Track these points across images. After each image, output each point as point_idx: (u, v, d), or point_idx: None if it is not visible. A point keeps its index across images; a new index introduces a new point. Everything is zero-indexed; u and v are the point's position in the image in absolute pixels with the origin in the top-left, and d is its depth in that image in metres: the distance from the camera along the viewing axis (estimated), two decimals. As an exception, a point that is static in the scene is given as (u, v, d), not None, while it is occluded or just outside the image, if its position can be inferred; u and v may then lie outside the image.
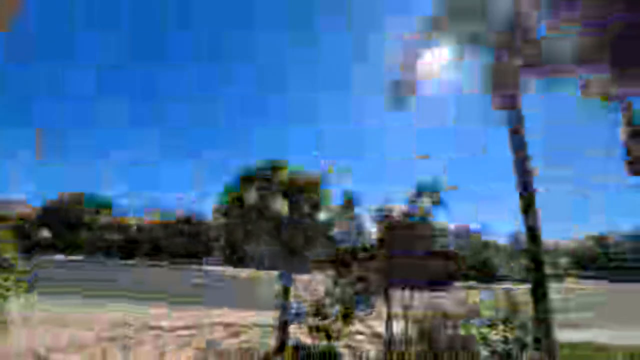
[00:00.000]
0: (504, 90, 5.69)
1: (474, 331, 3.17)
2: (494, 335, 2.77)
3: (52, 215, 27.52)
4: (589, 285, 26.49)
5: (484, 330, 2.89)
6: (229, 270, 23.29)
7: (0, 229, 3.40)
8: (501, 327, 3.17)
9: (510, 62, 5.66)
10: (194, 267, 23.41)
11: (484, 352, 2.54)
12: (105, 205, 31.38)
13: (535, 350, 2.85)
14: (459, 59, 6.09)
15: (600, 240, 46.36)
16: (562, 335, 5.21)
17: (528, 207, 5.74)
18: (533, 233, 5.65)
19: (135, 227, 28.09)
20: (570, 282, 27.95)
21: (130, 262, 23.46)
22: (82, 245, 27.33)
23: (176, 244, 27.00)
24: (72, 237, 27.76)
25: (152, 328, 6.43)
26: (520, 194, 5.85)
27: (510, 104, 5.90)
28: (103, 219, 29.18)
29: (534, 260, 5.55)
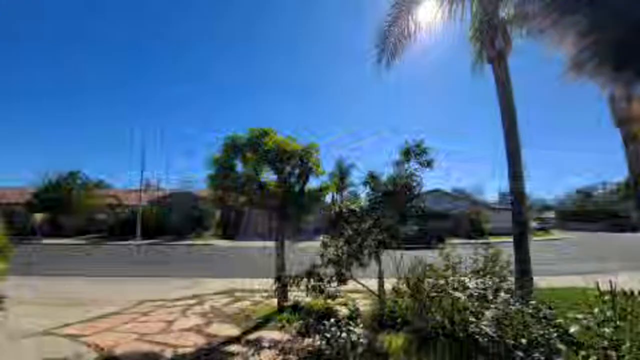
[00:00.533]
0: (492, 41, 5.56)
1: (452, 280, 3.37)
2: (472, 283, 2.97)
3: (44, 197, 27.14)
4: (567, 235, 28.23)
5: (463, 278, 3.09)
6: (223, 242, 23.79)
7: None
8: (480, 275, 3.40)
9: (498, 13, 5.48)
10: (188, 242, 23.82)
11: (462, 296, 2.74)
12: (94, 183, 30.98)
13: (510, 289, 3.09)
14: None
15: (585, 195, 48.20)
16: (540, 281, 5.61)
17: (513, 163, 5.90)
18: (517, 190, 5.87)
19: (128, 208, 27.99)
20: (551, 234, 29.54)
21: (126, 242, 23.69)
22: (79, 228, 27.39)
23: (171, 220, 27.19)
24: (66, 220, 27.70)
25: (155, 300, 6.69)
26: (507, 152, 5.98)
27: (499, 56, 5.80)
28: (97, 199, 28.95)
29: (518, 215, 5.84)
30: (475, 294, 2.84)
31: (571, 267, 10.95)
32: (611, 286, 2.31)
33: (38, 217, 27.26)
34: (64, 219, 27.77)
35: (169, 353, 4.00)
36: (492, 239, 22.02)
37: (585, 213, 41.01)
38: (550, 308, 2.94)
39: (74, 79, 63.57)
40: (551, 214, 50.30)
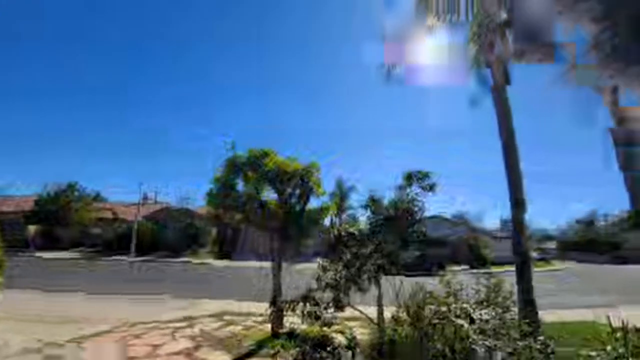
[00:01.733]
0: (491, 70, 5.73)
1: (459, 312, 3.24)
2: (478, 315, 2.86)
3: (41, 210, 26.89)
4: (568, 266, 27.76)
5: (465, 305, 2.98)
6: (220, 262, 23.28)
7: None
8: (484, 305, 3.27)
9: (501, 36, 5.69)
10: (183, 259, 23.31)
11: (471, 330, 2.62)
12: (91, 196, 30.81)
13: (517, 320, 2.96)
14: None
15: (586, 225, 47.87)
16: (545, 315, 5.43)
17: (515, 193, 5.90)
18: (518, 219, 5.84)
19: (121, 224, 27.66)
20: (552, 264, 29.02)
21: (120, 257, 23.19)
22: (74, 242, 26.91)
23: (166, 236, 26.77)
24: (62, 232, 27.26)
25: (144, 323, 6.43)
26: (509, 181, 5.98)
27: (497, 87, 5.96)
28: (93, 213, 28.67)
29: (518, 245, 5.76)
30: (485, 328, 2.71)
31: (575, 300, 10.62)
32: (623, 323, 2.21)
33: (32, 229, 26.86)
34: (59, 231, 27.35)
35: (154, 380, 3.77)
36: (493, 268, 21.59)
37: (586, 244, 40.44)
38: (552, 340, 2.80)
39: (73, 79, 63.72)
40: (552, 244, 49.64)
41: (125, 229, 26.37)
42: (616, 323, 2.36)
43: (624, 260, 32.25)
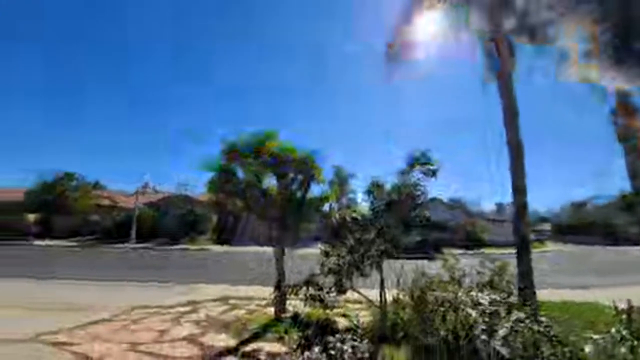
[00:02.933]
0: (497, 54, 5.58)
1: (461, 295, 3.27)
2: (484, 299, 2.88)
3: (38, 198, 26.75)
4: (561, 247, 28.40)
5: (473, 293, 3.00)
6: (219, 247, 23.50)
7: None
8: (487, 289, 3.32)
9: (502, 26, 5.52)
10: (183, 246, 23.49)
11: (474, 313, 2.65)
12: (90, 185, 30.63)
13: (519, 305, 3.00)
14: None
15: (579, 207, 48.56)
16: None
17: (517, 180, 5.87)
18: (520, 204, 5.84)
19: (119, 211, 27.64)
20: (546, 246, 29.65)
21: (121, 245, 23.32)
22: (73, 230, 26.93)
23: (167, 223, 26.85)
24: (60, 221, 27.24)
25: (148, 307, 6.50)
26: (510, 165, 5.94)
27: (503, 72, 5.82)
28: (92, 200, 28.58)
29: (518, 229, 5.79)
30: (488, 311, 2.75)
31: (571, 280, 10.88)
32: (629, 304, 2.23)
33: (31, 217, 26.79)
34: (57, 220, 27.32)
35: (162, 364, 3.84)
36: (488, 251, 21.99)
37: (579, 226, 41.20)
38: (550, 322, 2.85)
39: (73, 78, 63.55)
40: (547, 226, 50.46)
41: (124, 216, 26.39)
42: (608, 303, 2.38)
43: (615, 242, 33.00)
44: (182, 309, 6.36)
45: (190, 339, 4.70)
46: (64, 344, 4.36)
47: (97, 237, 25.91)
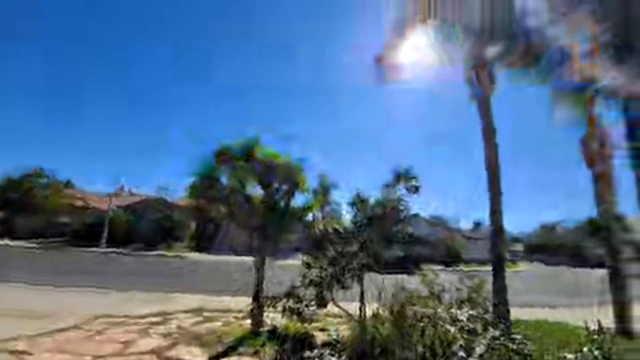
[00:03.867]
0: (478, 77, 5.88)
1: (440, 311, 3.29)
2: (463, 316, 2.91)
3: (1, 196, 25.00)
4: (532, 268, 29.56)
5: (452, 310, 3.03)
6: (196, 255, 22.73)
7: None
8: (466, 306, 3.36)
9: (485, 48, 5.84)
10: (158, 252, 22.55)
11: (452, 329, 2.66)
12: (62, 183, 29.01)
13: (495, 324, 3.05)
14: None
15: (549, 230, 51.00)
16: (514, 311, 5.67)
17: (493, 200, 6.10)
18: (496, 225, 6.05)
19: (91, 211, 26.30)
20: (518, 266, 30.76)
21: (91, 249, 22.05)
22: (38, 231, 25.22)
23: (142, 228, 25.72)
24: (26, 221, 25.48)
25: (114, 317, 6.12)
26: (489, 189, 6.16)
27: (483, 98, 6.12)
28: (61, 200, 27.01)
29: (495, 247, 5.98)
30: (466, 327, 2.77)
31: (542, 299, 11.25)
32: (599, 325, 2.32)
33: (-10, 216, 24.95)
34: (21, 219, 25.54)
35: (125, 379, 3.58)
36: (465, 267, 22.49)
37: (550, 247, 43.13)
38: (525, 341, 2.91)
39: (72, 78, 61.60)
40: (519, 247, 52.39)
41: (96, 218, 25.06)
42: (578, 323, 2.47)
43: (582, 263, 34.69)
44: (151, 320, 6.02)
45: (158, 353, 4.42)
46: (21, 352, 3.99)
47: (65, 240, 24.35)
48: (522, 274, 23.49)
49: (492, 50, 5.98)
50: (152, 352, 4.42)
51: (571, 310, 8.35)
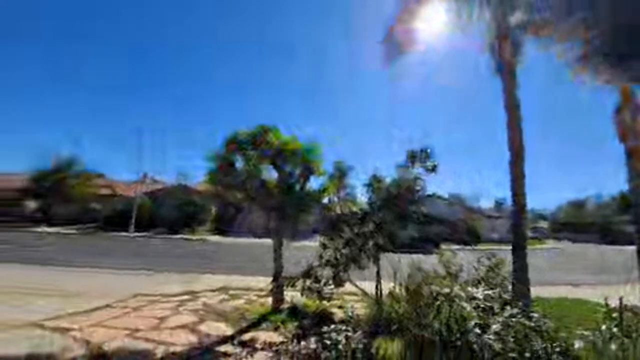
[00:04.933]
0: (501, 49, 5.52)
1: (456, 289, 3.31)
2: (478, 294, 2.92)
3: (40, 185, 26.76)
4: (559, 245, 28.63)
5: (470, 288, 3.04)
6: (218, 238, 23.64)
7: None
8: (482, 285, 3.36)
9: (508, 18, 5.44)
10: (181, 236, 23.63)
11: (468, 307, 2.69)
12: (92, 173, 30.61)
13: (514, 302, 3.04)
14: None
15: (578, 207, 48.77)
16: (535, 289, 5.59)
17: (516, 175, 5.87)
18: (519, 202, 5.85)
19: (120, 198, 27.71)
20: (544, 243, 29.87)
21: (121, 233, 23.45)
22: (73, 217, 27.03)
23: (166, 213, 26.94)
24: (61, 209, 27.31)
25: (147, 295, 6.58)
26: (510, 163, 5.93)
27: (508, 69, 5.76)
28: (93, 189, 28.62)
29: (516, 225, 5.82)
30: (482, 305, 2.79)
31: (566, 277, 10.99)
32: (620, 303, 2.27)
33: (31, 204, 26.88)
34: (57, 207, 27.39)
35: (160, 351, 3.91)
36: (486, 247, 22.15)
37: (578, 224, 41.45)
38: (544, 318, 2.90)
39: (72, 72, 63.93)
40: (545, 224, 50.72)
41: (124, 205, 26.46)
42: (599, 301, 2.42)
43: (613, 241, 33.23)
44: (182, 298, 6.44)
45: (190, 328, 4.77)
46: (65, 329, 4.43)
47: (97, 225, 26.03)
48: (547, 252, 22.93)
49: (516, 17, 5.56)
50: (183, 327, 4.78)
51: (596, 288, 8.13)
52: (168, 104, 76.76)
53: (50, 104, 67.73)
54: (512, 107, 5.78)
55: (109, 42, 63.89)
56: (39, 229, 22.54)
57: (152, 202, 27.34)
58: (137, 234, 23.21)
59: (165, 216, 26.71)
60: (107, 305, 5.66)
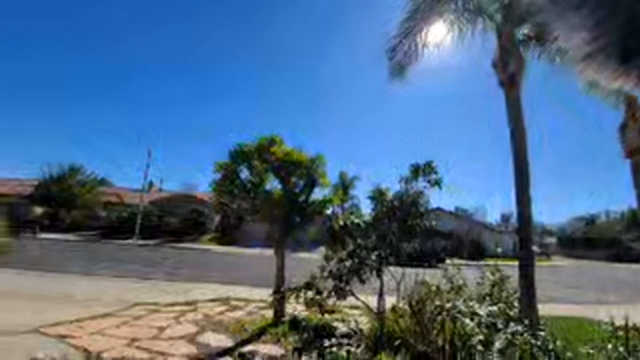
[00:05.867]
0: (506, 63, 5.58)
1: (460, 305, 3.26)
2: (481, 310, 2.88)
3: (46, 192, 27.15)
4: (566, 263, 27.96)
5: (473, 304, 3.00)
6: (220, 248, 23.56)
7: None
8: (487, 301, 3.30)
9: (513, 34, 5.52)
10: (184, 245, 23.61)
11: (471, 323, 2.64)
12: (97, 180, 31.01)
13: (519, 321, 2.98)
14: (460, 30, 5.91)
15: (587, 223, 47.87)
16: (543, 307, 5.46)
17: (521, 190, 5.84)
18: (524, 216, 5.79)
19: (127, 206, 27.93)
20: (551, 260, 29.21)
21: (126, 241, 23.52)
22: (78, 224, 27.24)
23: (170, 221, 27.04)
24: (67, 216, 27.58)
25: (148, 304, 6.56)
26: (515, 177, 5.91)
27: (511, 79, 5.81)
28: (98, 196, 28.95)
29: (523, 240, 5.73)
30: (484, 321, 2.74)
31: (575, 296, 10.70)
32: (626, 323, 2.21)
33: (37, 211, 27.21)
34: (63, 213, 27.69)
35: (159, 361, 3.87)
36: (491, 261, 21.74)
37: (587, 240, 40.54)
38: (554, 341, 2.83)
39: (79, 73, 66.22)
40: (552, 239, 49.72)
41: (130, 212, 26.67)
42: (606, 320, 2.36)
43: (619, 258, 32.37)
44: (182, 308, 6.40)
45: (189, 338, 4.72)
46: (64, 336, 4.42)
47: (102, 233, 26.17)
48: (554, 269, 22.39)
49: (522, 30, 5.65)
50: (183, 337, 4.73)
51: (604, 306, 7.90)
52: (176, 114, 78.44)
53: (60, 114, 69.60)
54: (516, 118, 5.78)
55: (115, 51, 66.18)
56: (44, 235, 22.73)
57: (158, 210, 27.53)
58: (141, 241, 23.26)
59: (169, 224, 26.81)
60: (109, 313, 5.65)
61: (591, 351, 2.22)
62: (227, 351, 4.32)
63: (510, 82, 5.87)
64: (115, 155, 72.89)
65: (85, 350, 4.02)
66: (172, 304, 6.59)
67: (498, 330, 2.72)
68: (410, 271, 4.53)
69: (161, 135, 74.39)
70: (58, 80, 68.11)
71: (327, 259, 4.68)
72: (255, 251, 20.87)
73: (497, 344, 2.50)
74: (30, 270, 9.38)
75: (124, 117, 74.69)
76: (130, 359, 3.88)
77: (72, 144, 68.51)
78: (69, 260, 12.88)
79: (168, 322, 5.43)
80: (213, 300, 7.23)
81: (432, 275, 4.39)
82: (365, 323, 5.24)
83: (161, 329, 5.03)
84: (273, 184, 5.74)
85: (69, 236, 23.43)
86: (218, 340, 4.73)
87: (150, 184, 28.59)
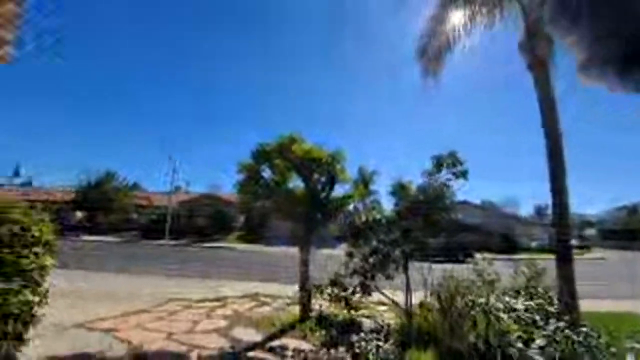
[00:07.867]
0: (533, 45, 5.26)
1: (493, 300, 3.14)
2: (518, 305, 2.75)
3: (85, 197, 29.16)
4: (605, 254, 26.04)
5: (508, 299, 2.88)
6: (246, 246, 24.14)
7: (38, 212, 3.58)
8: (522, 296, 3.15)
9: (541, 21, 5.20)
10: (211, 244, 24.43)
11: (507, 319, 2.54)
12: (129, 185, 32.86)
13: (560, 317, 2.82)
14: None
15: (630, 213, 44.31)
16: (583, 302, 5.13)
17: (556, 178, 5.49)
18: (561, 206, 5.45)
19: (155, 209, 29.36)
20: (591, 252, 27.32)
21: (157, 241, 24.77)
22: (115, 227, 29.07)
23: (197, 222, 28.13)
24: (104, 219, 29.50)
25: (182, 300, 6.87)
26: (549, 164, 5.57)
27: (540, 64, 5.47)
28: (131, 200, 30.70)
29: (560, 232, 5.40)
30: (523, 317, 2.62)
31: (619, 291, 9.96)
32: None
33: (78, 215, 29.31)
34: (101, 217, 29.64)
35: (194, 354, 4.07)
36: (525, 255, 20.69)
37: (630, 231, 37.47)
38: (598, 335, 2.65)
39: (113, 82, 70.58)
40: (592, 231, 46.46)
41: (159, 214, 28.06)
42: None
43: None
44: (213, 304, 6.66)
45: (221, 333, 4.92)
46: (108, 330, 4.75)
47: (135, 234, 27.77)
48: (595, 262, 20.94)
49: (547, 13, 5.29)
50: (215, 331, 4.94)
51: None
52: (199, 119, 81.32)
53: (94, 124, 74.14)
54: (546, 99, 5.43)
55: (139, 62, 69.49)
56: (84, 237, 24.46)
57: (186, 211, 28.78)
58: (171, 241, 24.42)
59: (197, 225, 27.92)
60: (147, 309, 5.99)
61: (637, 345, 2.06)
62: (257, 345, 4.45)
63: (539, 64, 5.53)
64: (144, 161, 76.83)
65: (129, 342, 4.30)
66: (203, 300, 6.88)
67: (538, 327, 2.59)
68: (437, 267, 4.43)
69: (184, 140, 77.16)
70: (91, 89, 72.96)
71: (350, 255, 4.68)
72: (282, 249, 21.23)
73: (538, 341, 2.39)
74: (95, 271, 10.13)
75: (149, 126, 78.55)
76: (168, 350, 4.10)
77: (104, 150, 73.03)
78: (119, 260, 13.77)
79: (200, 317, 5.68)
80: (242, 296, 7.46)
81: (460, 271, 4.26)
82: (393, 319, 5.19)
83: (195, 323, 5.28)
84: (295, 182, 5.81)
85: (109, 238, 25.06)
86: (248, 334, 4.88)
87: (177, 187, 29.86)
